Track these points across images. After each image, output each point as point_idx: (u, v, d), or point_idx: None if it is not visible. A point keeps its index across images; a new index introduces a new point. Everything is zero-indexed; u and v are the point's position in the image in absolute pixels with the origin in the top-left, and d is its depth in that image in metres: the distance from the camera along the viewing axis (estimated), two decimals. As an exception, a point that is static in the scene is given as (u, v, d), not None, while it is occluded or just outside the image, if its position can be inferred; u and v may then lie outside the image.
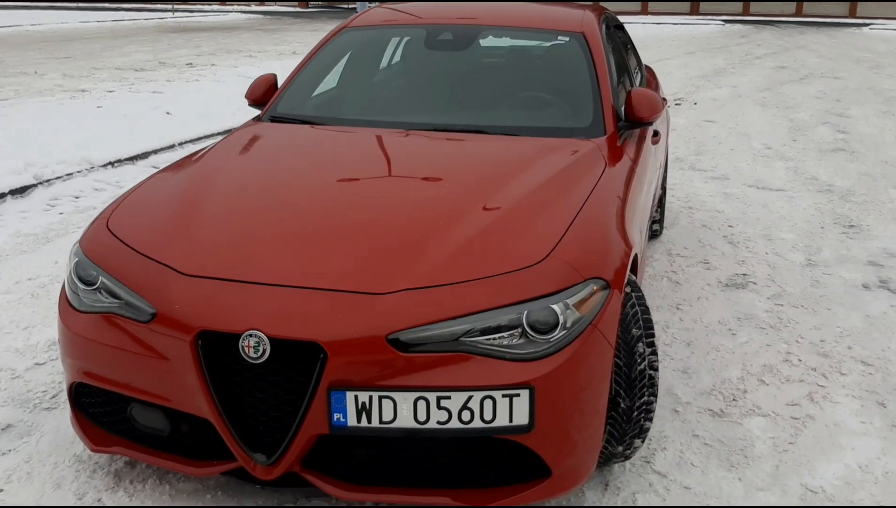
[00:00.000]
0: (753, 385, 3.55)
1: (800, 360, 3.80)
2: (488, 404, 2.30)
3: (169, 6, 39.77)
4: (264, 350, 2.30)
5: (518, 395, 2.30)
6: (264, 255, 2.55)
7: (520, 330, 2.35)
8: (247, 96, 4.05)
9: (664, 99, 4.97)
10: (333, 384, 2.29)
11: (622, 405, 2.64)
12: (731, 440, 3.14)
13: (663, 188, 5.51)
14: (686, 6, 38.55)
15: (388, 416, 2.30)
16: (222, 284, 2.44)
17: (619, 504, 2.75)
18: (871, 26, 30.07)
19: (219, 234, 2.71)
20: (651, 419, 2.73)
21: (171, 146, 8.10)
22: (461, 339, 2.32)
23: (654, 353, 2.71)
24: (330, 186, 3.10)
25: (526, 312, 2.36)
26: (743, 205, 6.38)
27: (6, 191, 6.14)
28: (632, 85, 4.53)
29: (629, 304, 2.68)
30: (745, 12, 37.91)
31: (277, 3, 45.92)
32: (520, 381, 2.31)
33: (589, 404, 2.47)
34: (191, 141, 8.36)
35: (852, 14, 36.54)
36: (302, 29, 27.24)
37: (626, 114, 3.64)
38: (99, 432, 2.71)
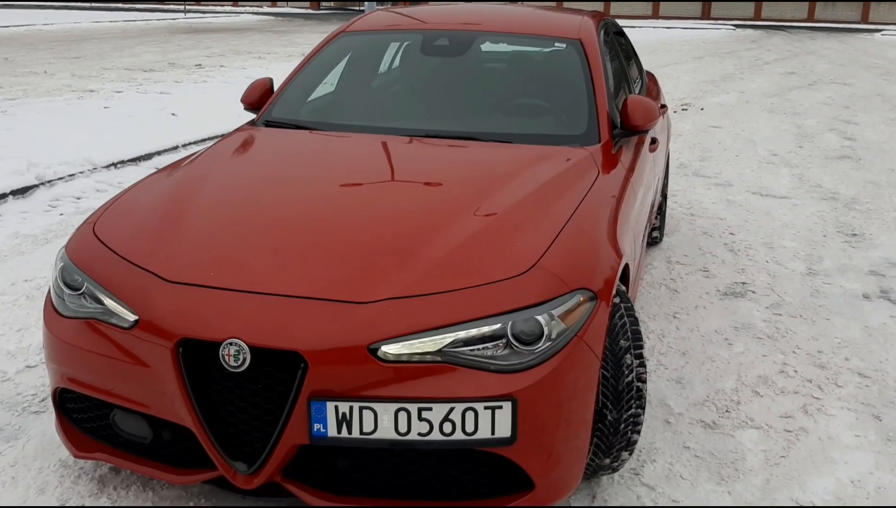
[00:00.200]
0: (747, 397, 3.51)
1: (796, 371, 3.76)
2: (470, 416, 2.27)
3: (181, 7, 39.94)
4: (244, 359, 2.28)
5: (500, 407, 2.28)
6: (247, 262, 2.53)
7: (504, 341, 2.32)
8: (243, 100, 4.04)
9: (664, 106, 4.94)
10: (314, 394, 2.27)
11: (609, 417, 2.61)
12: (722, 452, 3.10)
13: (664, 195, 5.47)
14: (697, 8, 38.48)
15: (368, 427, 2.28)
16: (204, 291, 2.43)
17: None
18: (884, 32, 29.93)
19: (203, 240, 2.69)
20: (639, 432, 2.70)
21: (175, 148, 8.11)
22: (444, 349, 2.30)
23: (643, 365, 2.67)
24: (317, 193, 3.08)
25: (511, 322, 2.33)
26: (745, 212, 6.34)
27: (7, 191, 6.16)
28: (630, 92, 4.49)
29: (617, 315, 2.65)
30: (757, 16, 37.81)
31: (289, 4, 46.06)
32: (503, 393, 2.28)
33: (574, 416, 2.44)
34: (195, 142, 8.37)
35: (865, 19, 36.40)
36: (313, 31, 27.29)
37: (622, 121, 3.61)
38: (82, 437, 2.69)
